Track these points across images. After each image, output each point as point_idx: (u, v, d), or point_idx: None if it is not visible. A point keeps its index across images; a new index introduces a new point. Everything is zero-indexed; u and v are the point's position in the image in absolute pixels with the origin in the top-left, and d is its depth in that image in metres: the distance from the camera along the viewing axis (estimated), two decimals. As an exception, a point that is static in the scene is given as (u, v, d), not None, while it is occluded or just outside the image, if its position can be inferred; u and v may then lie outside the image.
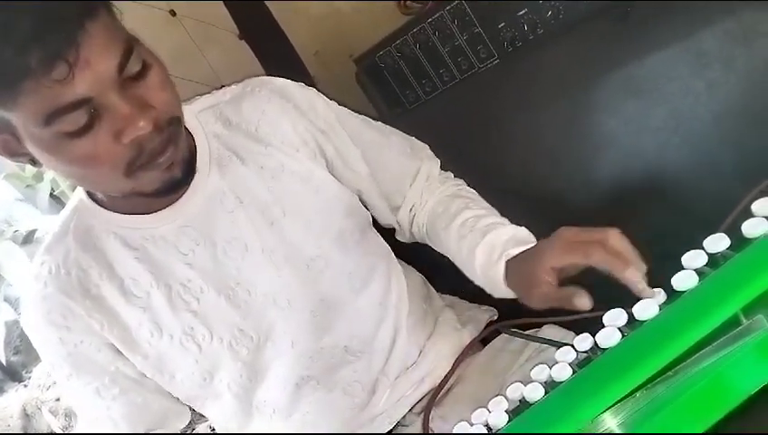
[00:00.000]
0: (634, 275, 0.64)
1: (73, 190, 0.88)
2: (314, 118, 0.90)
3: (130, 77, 0.67)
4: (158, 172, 0.72)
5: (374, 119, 1.00)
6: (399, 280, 0.96)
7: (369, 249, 0.94)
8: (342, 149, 0.92)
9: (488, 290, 0.86)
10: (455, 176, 1.03)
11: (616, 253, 0.66)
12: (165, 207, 0.82)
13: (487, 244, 0.83)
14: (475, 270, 0.85)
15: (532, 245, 0.79)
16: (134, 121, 0.66)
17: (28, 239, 2.21)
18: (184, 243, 0.83)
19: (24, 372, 2.15)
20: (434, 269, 1.04)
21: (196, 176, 0.83)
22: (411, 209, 0.99)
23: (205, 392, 0.88)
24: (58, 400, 1.85)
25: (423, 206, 0.98)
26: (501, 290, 0.82)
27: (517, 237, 0.82)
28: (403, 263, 1.02)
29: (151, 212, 0.82)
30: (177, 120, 0.72)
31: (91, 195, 0.84)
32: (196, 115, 0.86)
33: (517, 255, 0.79)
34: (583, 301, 0.67)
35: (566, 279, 0.72)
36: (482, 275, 0.84)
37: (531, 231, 0.85)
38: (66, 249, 0.83)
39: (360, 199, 0.97)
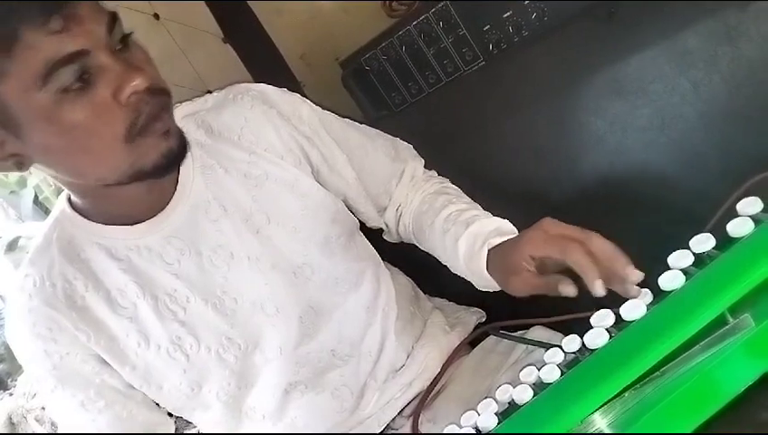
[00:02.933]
0: (601, 289, 0.64)
1: (57, 196, 0.87)
2: (298, 124, 0.90)
3: (118, 47, 0.69)
4: (156, 140, 0.71)
5: (360, 121, 1.00)
6: (387, 284, 0.96)
7: (356, 254, 0.94)
8: (328, 154, 0.92)
9: (472, 281, 0.86)
10: (441, 177, 1.03)
11: (595, 257, 0.66)
12: (149, 218, 0.81)
13: (471, 234, 0.84)
14: (459, 261, 0.85)
15: (514, 235, 0.80)
16: (129, 78, 0.67)
17: (12, 247, 2.20)
18: (169, 253, 0.82)
19: (9, 381, 2.13)
20: (422, 272, 1.04)
21: (180, 185, 0.82)
22: (398, 209, 1.00)
23: (193, 403, 0.87)
24: (44, 408, 1.84)
25: (408, 205, 0.98)
26: (484, 279, 0.82)
27: (501, 229, 0.83)
28: (391, 266, 1.02)
29: (135, 223, 0.81)
30: (166, 92, 0.73)
31: (73, 205, 0.83)
32: (178, 123, 0.85)
33: (499, 244, 0.80)
34: (568, 288, 0.67)
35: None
36: (465, 266, 0.85)
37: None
38: (50, 261, 0.82)
39: (347, 204, 0.96)
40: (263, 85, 0.91)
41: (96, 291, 0.82)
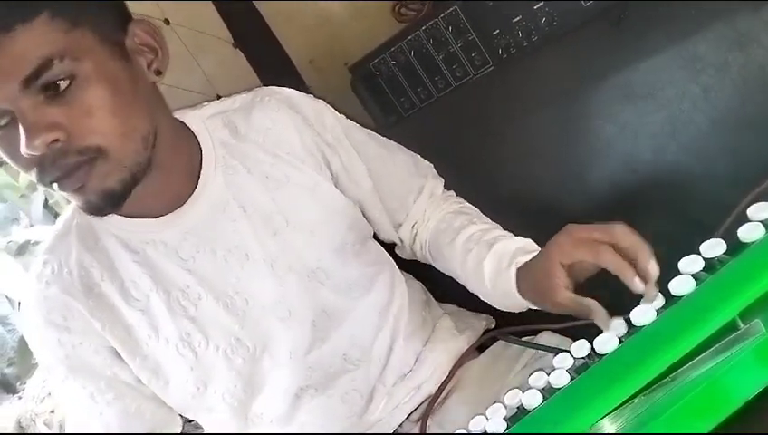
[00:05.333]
0: (640, 286, 0.63)
1: (68, 200, 0.87)
2: (322, 131, 0.90)
3: (51, 92, 0.66)
4: (69, 193, 0.71)
5: (370, 126, 1.00)
6: (402, 289, 0.96)
7: (370, 260, 0.94)
8: (348, 163, 0.92)
9: (496, 304, 0.86)
10: (452, 183, 1.03)
11: (625, 254, 0.66)
12: (167, 213, 0.82)
13: (495, 254, 0.83)
14: (484, 283, 0.84)
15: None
16: (29, 140, 0.65)
17: (22, 250, 2.21)
18: (185, 249, 0.83)
19: (18, 385, 2.14)
20: (433, 277, 1.04)
21: (200, 183, 0.83)
22: (414, 226, 1.00)
23: (198, 403, 0.87)
24: (53, 412, 1.85)
25: (426, 223, 0.98)
26: (512, 300, 0.81)
27: (525, 248, 0.82)
28: (403, 271, 1.01)
29: (153, 216, 0.82)
30: (95, 149, 0.69)
31: None
32: (204, 121, 0.86)
33: (526, 262, 0.79)
34: (602, 321, 0.65)
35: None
36: (491, 287, 0.84)
37: (526, 237, 0.85)
38: (68, 248, 0.83)
39: (363, 212, 0.97)
40: (290, 90, 0.92)
41: (111, 281, 0.82)
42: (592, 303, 0.67)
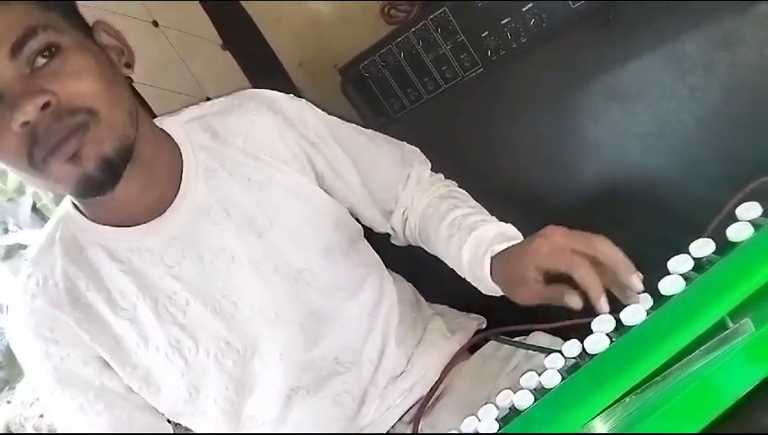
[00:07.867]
0: (604, 307, 0.64)
1: (57, 204, 0.87)
2: (304, 130, 0.90)
3: (37, 63, 0.68)
4: (62, 166, 0.69)
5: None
6: (390, 290, 0.96)
7: (358, 261, 0.94)
8: (333, 160, 0.92)
9: (478, 287, 0.86)
10: (448, 181, 1.03)
11: (600, 265, 0.67)
12: (150, 220, 0.81)
13: (473, 241, 0.84)
14: (464, 268, 0.85)
15: (518, 241, 0.80)
16: (20, 106, 0.66)
17: (10, 254, 2.19)
18: (170, 255, 0.82)
19: (6, 389, 2.13)
20: (423, 278, 1.04)
21: (182, 188, 0.82)
22: (404, 213, 1.00)
23: (191, 408, 0.87)
24: (42, 416, 1.84)
25: (414, 208, 0.99)
26: (489, 286, 0.82)
27: (504, 234, 0.83)
28: (393, 272, 1.02)
29: (137, 224, 0.81)
30: (87, 111, 0.69)
31: (76, 206, 0.83)
32: (183, 125, 0.86)
33: (503, 251, 0.80)
34: (574, 299, 0.67)
35: (554, 277, 0.72)
36: (469, 273, 0.85)
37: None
38: (53, 260, 0.83)
39: (353, 209, 0.97)
40: (269, 91, 0.92)
41: (97, 291, 0.82)
42: (562, 287, 0.68)
